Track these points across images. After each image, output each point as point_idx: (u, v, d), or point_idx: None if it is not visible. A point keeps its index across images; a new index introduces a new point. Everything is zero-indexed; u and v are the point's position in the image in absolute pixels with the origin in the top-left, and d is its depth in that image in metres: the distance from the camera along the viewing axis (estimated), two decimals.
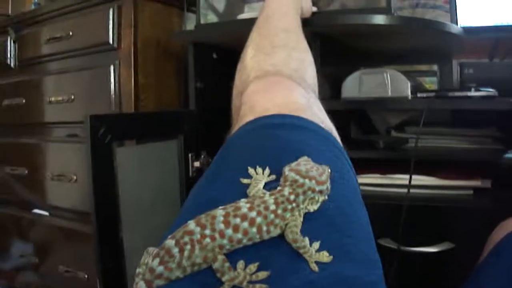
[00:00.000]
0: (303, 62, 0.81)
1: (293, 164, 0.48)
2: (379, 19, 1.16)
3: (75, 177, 1.55)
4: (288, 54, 0.79)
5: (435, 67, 1.46)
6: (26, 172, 1.75)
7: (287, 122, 0.59)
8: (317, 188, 0.47)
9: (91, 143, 1.13)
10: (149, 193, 1.28)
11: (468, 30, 1.37)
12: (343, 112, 1.36)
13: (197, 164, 1.34)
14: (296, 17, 0.98)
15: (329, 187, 0.48)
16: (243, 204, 0.44)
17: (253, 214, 0.44)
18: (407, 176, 1.15)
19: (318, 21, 1.18)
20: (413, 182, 1.16)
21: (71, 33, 1.58)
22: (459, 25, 1.40)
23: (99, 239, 1.13)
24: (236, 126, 0.65)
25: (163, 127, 1.31)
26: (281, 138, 0.56)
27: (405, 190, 1.15)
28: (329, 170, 0.49)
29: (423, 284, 1.21)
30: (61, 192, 1.64)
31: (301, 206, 0.46)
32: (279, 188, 0.47)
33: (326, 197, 0.48)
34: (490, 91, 1.19)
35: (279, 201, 0.45)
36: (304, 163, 0.49)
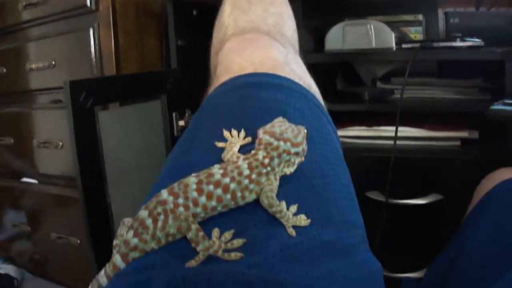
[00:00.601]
0: (281, 15, 0.79)
1: (267, 126, 0.46)
2: None
3: (61, 143, 1.54)
4: (265, 9, 0.76)
5: (420, 17, 1.43)
6: (12, 141, 1.73)
7: (264, 80, 0.57)
8: (293, 150, 0.45)
9: (73, 108, 1.11)
10: (135, 155, 1.27)
11: None
12: (328, 64, 1.34)
13: (182, 123, 1.33)
14: None
15: (305, 148, 0.47)
16: (216, 170, 0.43)
17: (227, 180, 0.42)
18: (394, 128, 1.14)
19: None
20: (400, 134, 1.16)
21: None
22: None
23: (86, 204, 1.13)
24: (212, 86, 0.63)
25: (146, 88, 1.29)
26: (258, 98, 0.55)
27: (392, 142, 1.14)
28: (305, 131, 0.48)
29: (412, 236, 1.21)
30: (48, 159, 1.63)
31: (277, 169, 0.44)
32: (253, 151, 0.45)
33: (303, 159, 0.47)
34: (476, 41, 1.17)
35: (253, 165, 0.44)
36: (279, 124, 0.47)
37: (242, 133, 0.49)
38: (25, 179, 1.76)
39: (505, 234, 0.68)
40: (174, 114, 1.31)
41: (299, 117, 0.52)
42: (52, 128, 1.58)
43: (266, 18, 0.74)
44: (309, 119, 0.54)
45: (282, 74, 0.59)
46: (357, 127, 1.27)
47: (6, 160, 1.80)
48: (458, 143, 1.22)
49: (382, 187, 1.15)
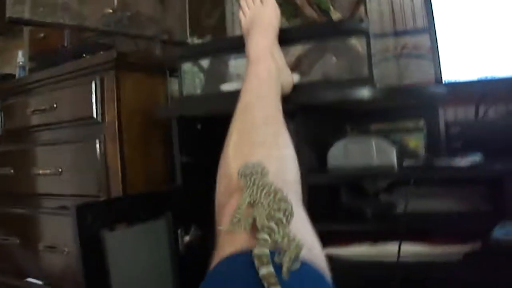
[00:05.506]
0: (284, 159, 0.80)
1: None
2: (361, 94, 1.16)
3: (66, 249, 1.54)
4: (268, 154, 0.77)
5: (421, 123, 1.46)
6: (18, 241, 1.74)
7: None
8: None
9: (79, 232, 1.13)
10: (141, 272, 1.27)
11: (452, 86, 1.37)
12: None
13: (187, 238, 1.33)
14: (276, 98, 0.97)
15: None
16: None
17: None
18: (397, 244, 1.14)
19: (298, 98, 1.17)
20: (403, 250, 1.15)
21: (55, 105, 1.57)
22: (443, 80, 1.39)
23: None
24: (216, 257, 0.64)
25: (151, 207, 1.30)
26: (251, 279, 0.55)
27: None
28: None
29: None
30: (54, 263, 1.64)
31: None
32: None
33: None
34: (475, 158, 1.19)
35: None
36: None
37: None
38: (29, 279, 1.76)
39: None
40: (179, 231, 1.32)
41: None
42: (58, 233, 1.59)
43: (269, 164, 0.74)
44: None
45: None
46: (360, 245, 1.27)
47: (12, 259, 1.80)
48: (461, 257, 1.21)
49: None
